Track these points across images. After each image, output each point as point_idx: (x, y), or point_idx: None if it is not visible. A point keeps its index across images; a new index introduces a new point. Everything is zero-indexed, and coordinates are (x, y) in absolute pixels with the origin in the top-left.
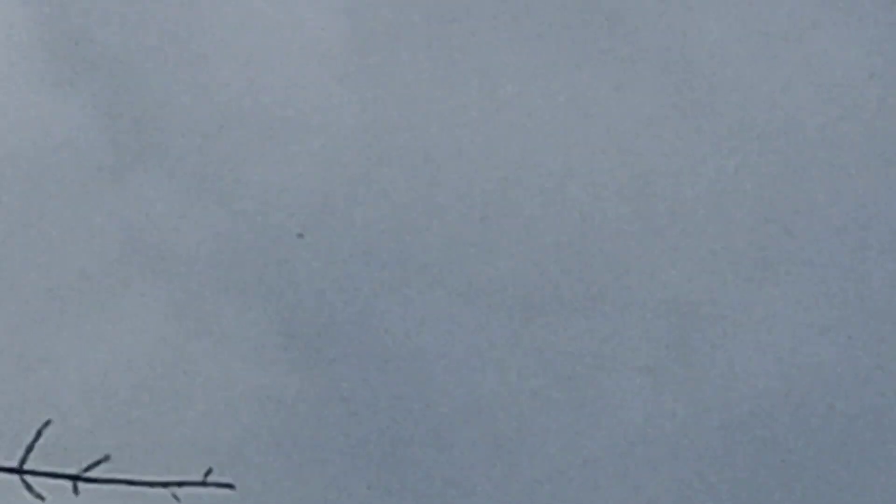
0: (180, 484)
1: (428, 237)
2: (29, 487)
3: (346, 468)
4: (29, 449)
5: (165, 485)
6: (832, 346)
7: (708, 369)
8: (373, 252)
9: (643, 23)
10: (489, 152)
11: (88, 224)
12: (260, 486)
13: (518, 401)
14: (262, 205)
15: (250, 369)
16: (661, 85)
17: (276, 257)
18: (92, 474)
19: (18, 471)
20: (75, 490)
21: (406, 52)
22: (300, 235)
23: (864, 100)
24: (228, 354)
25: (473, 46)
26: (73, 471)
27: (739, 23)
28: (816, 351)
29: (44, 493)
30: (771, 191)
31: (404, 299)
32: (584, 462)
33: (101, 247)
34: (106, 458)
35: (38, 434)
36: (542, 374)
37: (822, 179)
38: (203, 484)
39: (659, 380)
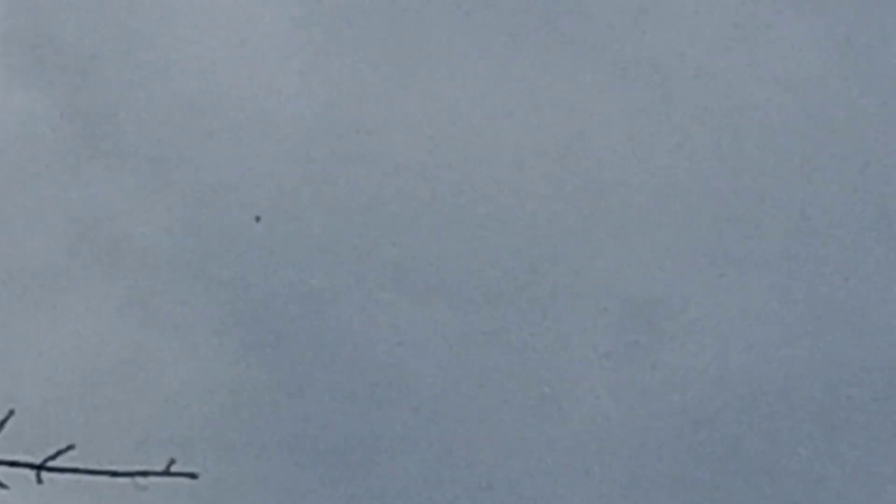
0: (144, 474)
1: (385, 230)
2: None
3: (305, 459)
4: None
5: (129, 474)
6: (795, 340)
7: (669, 363)
8: (331, 245)
9: (600, 12)
10: (447, 145)
11: (44, 216)
12: (220, 476)
13: (477, 393)
14: (218, 198)
15: (208, 361)
16: (621, 77)
17: (232, 250)
18: (55, 464)
19: None
20: (39, 479)
21: (365, 45)
22: (257, 219)
23: (828, 91)
24: (185, 346)
25: (434, 41)
26: (36, 460)
27: (699, 13)
28: (779, 344)
29: (6, 483)
30: (733, 184)
31: (362, 292)
32: (543, 456)
33: (57, 238)
34: (70, 448)
35: (2, 423)
36: (501, 366)
37: (786, 172)
38: (166, 474)
39: (619, 374)
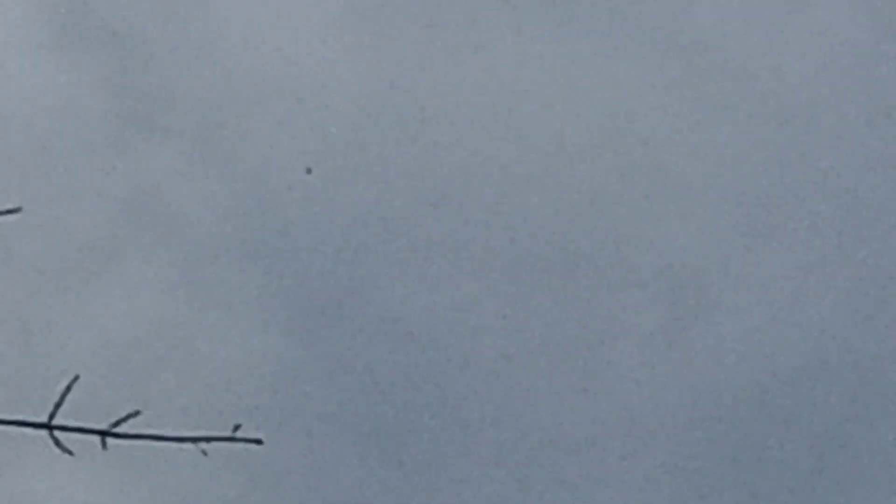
0: (209, 439)
1: (428, 204)
2: (57, 442)
3: (348, 431)
4: (58, 405)
5: (194, 440)
6: (833, 311)
7: (709, 335)
8: (374, 219)
9: None
10: (487, 118)
11: (92, 190)
12: (276, 445)
13: (517, 367)
14: (264, 172)
15: (254, 335)
16: (659, 52)
17: (278, 224)
18: (120, 430)
19: (47, 426)
20: (104, 445)
21: (403, 21)
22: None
23: (863, 67)
24: (232, 318)
25: (469, 18)
26: (101, 426)
27: None
28: (825, 316)
29: (72, 449)
30: (769, 157)
31: (406, 266)
32: (582, 428)
33: (106, 212)
34: (135, 414)
35: (67, 389)
36: (542, 340)
37: (821, 146)
38: (231, 439)
39: (659, 347)
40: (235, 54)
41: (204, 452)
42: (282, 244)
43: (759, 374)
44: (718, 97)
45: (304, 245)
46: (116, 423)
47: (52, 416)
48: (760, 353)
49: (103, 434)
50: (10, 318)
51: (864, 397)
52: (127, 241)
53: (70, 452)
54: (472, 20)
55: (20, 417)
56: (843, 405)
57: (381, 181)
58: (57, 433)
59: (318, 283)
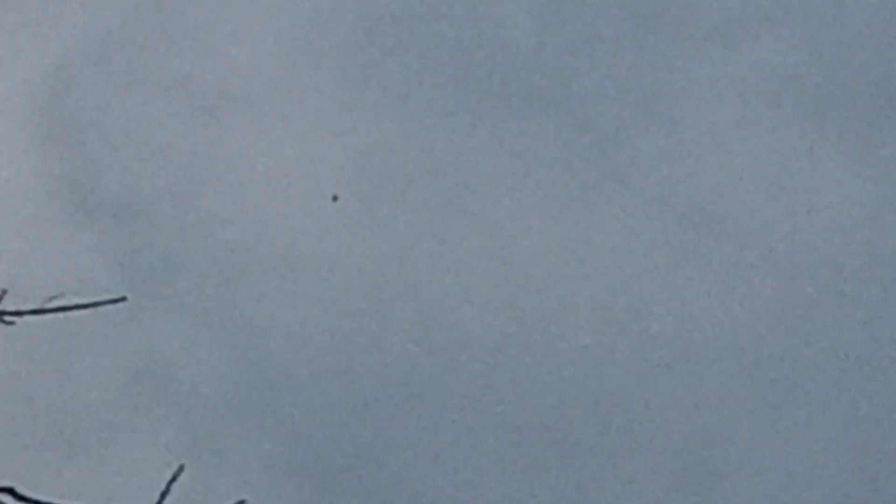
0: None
1: (435, 375)
2: None
3: None
4: None
5: None
6: (841, 485)
7: (719, 502)
8: (380, 387)
9: (646, 161)
10: (496, 291)
11: (99, 358)
12: None
13: None
14: (269, 340)
15: (259, 499)
16: (668, 224)
17: (282, 391)
18: None
19: None
20: None
21: (410, 194)
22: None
23: (868, 235)
24: (236, 483)
25: (475, 190)
26: None
27: (740, 157)
28: (829, 486)
29: None
30: (778, 326)
31: (414, 435)
32: None
33: (114, 382)
34: None
35: None
36: None
37: (830, 315)
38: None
39: None
40: (242, 226)
41: None
42: (286, 411)
43: None
44: (729, 266)
45: (310, 412)
46: None
47: None
48: None
49: None
50: (18, 487)
51: None
52: (133, 410)
53: None
54: (469, 188)
55: None
56: None
57: (387, 350)
58: None
59: (324, 448)
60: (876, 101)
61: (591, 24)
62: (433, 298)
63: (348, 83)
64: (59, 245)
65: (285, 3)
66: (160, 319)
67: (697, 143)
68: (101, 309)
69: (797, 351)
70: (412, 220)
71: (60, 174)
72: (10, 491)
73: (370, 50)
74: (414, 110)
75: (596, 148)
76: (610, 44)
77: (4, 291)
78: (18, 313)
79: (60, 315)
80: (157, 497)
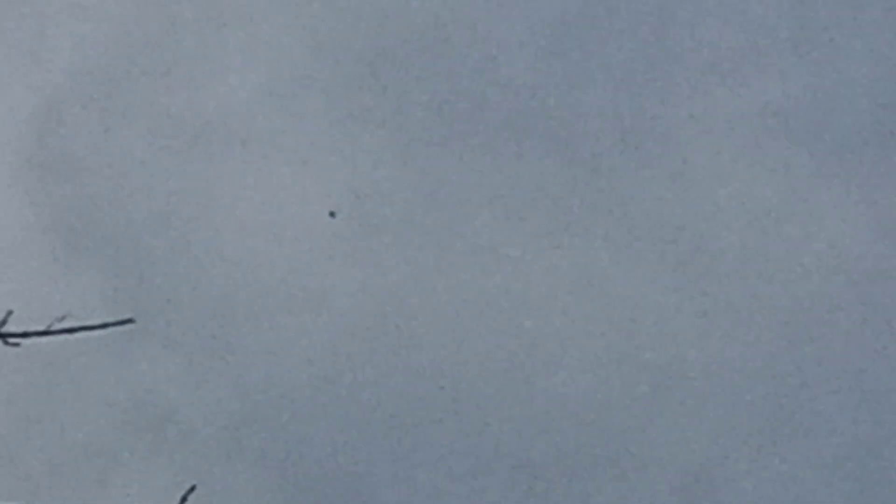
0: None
1: (430, 405)
2: None
3: None
4: None
5: None
6: None
7: None
8: (376, 420)
9: (642, 195)
10: (491, 322)
11: (95, 395)
12: None
13: None
14: (264, 375)
15: None
16: (665, 256)
17: (279, 425)
18: None
19: None
20: None
21: (404, 228)
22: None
23: (866, 268)
24: None
25: (469, 224)
26: None
27: (738, 192)
28: None
29: None
30: (776, 359)
31: (412, 469)
32: None
33: (109, 419)
34: None
35: None
36: None
37: (827, 348)
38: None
39: None
40: (236, 261)
41: None
42: (282, 449)
43: None
44: (726, 299)
45: (305, 450)
46: None
47: None
48: None
49: None
50: None
51: None
52: (129, 446)
53: None
54: (464, 222)
55: None
56: None
57: (383, 383)
58: None
59: (321, 482)
60: (875, 136)
61: (587, 58)
62: (429, 332)
63: (341, 117)
64: (53, 281)
65: (276, 39)
66: (155, 353)
67: (695, 177)
68: (95, 343)
69: (794, 382)
70: (406, 254)
71: (54, 210)
72: None
73: (363, 84)
74: (408, 145)
75: (592, 182)
76: (607, 78)
77: (10, 313)
78: (25, 335)
79: (60, 340)
80: None
